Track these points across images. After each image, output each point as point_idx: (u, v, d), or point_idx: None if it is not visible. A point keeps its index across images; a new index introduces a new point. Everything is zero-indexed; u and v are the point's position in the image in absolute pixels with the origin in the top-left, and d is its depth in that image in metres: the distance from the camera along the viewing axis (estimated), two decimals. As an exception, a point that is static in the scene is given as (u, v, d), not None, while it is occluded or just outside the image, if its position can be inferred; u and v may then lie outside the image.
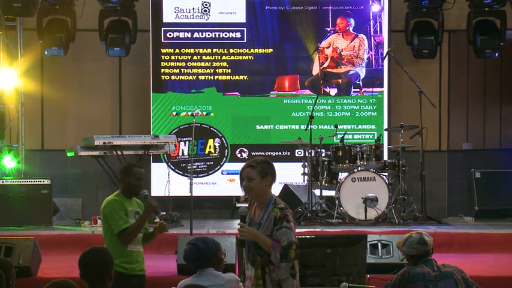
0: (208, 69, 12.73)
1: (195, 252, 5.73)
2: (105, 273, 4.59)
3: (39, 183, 11.36)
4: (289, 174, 12.25)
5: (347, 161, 11.22)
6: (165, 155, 12.37)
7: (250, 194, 5.47)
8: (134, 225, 6.31)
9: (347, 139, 11.71)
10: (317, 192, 11.38)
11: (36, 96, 12.81)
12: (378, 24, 12.70)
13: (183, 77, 12.72)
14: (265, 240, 5.31)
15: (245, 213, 5.44)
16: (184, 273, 7.76)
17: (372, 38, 12.71)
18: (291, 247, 5.27)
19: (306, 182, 11.39)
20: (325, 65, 12.69)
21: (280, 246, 5.26)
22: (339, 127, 11.62)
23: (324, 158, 11.41)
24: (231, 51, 12.74)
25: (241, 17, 12.74)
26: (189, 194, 10.13)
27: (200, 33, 12.74)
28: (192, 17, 12.72)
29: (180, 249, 8.32)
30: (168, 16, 12.68)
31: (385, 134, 12.38)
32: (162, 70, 12.67)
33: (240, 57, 12.75)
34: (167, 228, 6.62)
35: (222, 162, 12.66)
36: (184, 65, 12.72)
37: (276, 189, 11.93)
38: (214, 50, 12.73)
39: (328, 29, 12.74)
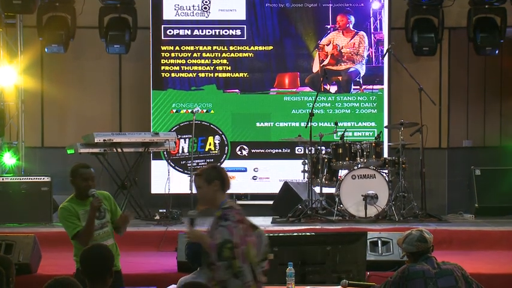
0: (208, 67, 12.72)
1: (199, 250, 5.72)
2: (106, 270, 4.59)
3: (39, 180, 11.35)
4: (289, 171, 12.28)
5: (347, 159, 11.21)
6: (165, 152, 12.38)
7: (202, 202, 5.43)
8: (84, 227, 6.29)
9: (347, 136, 11.71)
10: (317, 189, 11.36)
11: (36, 93, 12.81)
12: (378, 21, 12.69)
13: (183, 74, 12.71)
14: (208, 242, 5.22)
15: (194, 216, 5.40)
16: (184, 271, 7.76)
17: (372, 35, 12.70)
18: (225, 245, 5.11)
19: (306, 179, 11.38)
20: (325, 62, 12.69)
21: (215, 245, 5.15)
22: (339, 124, 11.60)
23: (324, 156, 11.40)
24: (231, 48, 12.74)
25: (241, 14, 12.73)
26: (189, 191, 10.15)
27: (200, 30, 12.73)
28: (192, 14, 12.72)
29: (180, 246, 8.32)
30: (168, 13, 12.68)
31: (385, 131, 12.36)
32: (162, 67, 12.67)
33: (240, 55, 12.74)
34: (129, 220, 6.52)
35: (222, 160, 12.65)
36: (184, 62, 12.71)
37: (276, 187, 12.09)
38: (214, 48, 12.73)
39: (328, 26, 12.73)
